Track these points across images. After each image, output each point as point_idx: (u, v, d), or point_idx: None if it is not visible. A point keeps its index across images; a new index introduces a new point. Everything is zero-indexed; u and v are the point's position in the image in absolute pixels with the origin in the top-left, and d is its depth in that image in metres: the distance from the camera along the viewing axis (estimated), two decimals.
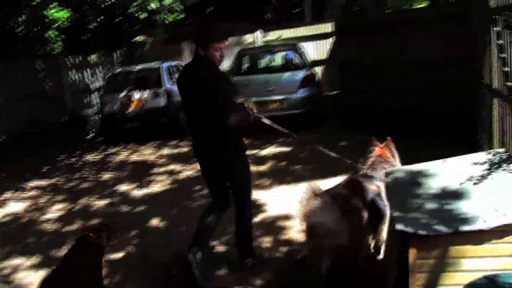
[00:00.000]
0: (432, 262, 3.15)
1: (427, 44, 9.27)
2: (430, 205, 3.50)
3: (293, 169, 7.89)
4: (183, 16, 15.07)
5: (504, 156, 4.01)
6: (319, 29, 15.58)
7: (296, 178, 7.27)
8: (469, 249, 3.10)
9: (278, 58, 11.82)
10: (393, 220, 3.42)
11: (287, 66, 11.24)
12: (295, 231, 5.23)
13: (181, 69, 5.04)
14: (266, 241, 5.23)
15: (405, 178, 4.07)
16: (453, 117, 8.21)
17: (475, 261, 3.09)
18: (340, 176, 5.43)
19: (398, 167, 4.40)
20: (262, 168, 8.02)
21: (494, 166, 3.87)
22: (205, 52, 4.21)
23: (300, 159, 8.31)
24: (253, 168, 7.65)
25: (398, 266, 3.40)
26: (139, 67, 12.92)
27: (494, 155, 4.07)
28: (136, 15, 13.63)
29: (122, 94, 11.81)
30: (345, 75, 11.71)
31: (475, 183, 3.68)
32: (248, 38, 15.98)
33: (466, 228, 3.07)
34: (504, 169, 3.77)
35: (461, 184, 3.72)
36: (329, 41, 15.19)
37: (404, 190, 3.85)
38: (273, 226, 5.62)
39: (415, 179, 3.99)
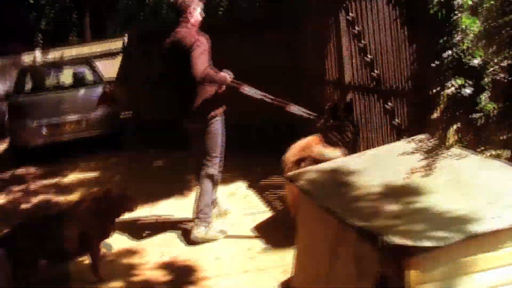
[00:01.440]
0: (439, 285, 2.14)
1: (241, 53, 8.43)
2: (393, 207, 2.54)
3: None
4: None
5: (433, 142, 3.29)
6: (105, 46, 14.02)
7: None
8: (484, 258, 2.18)
9: (70, 74, 9.91)
10: (361, 233, 2.33)
11: (81, 82, 9.48)
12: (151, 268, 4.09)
13: None
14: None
15: (325, 178, 3.06)
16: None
17: (493, 273, 2.18)
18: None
19: (302, 169, 3.36)
20: (73, 198, 6.25)
21: (431, 154, 3.10)
22: None
23: (113, 183, 6.79)
24: (61, 199, 5.98)
25: None
26: None
27: (420, 142, 3.32)
28: None
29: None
30: (141, 93, 10.40)
31: (424, 176, 2.85)
32: (26, 58, 13.61)
33: (481, 229, 2.14)
34: (447, 157, 3.03)
35: (406, 178, 2.85)
36: (118, 59, 13.71)
37: (339, 193, 2.82)
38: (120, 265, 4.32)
39: (340, 178, 3.01)
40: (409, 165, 3.01)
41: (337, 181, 2.97)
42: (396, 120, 4.60)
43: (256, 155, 6.46)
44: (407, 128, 4.44)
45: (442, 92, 3.91)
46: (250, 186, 6.00)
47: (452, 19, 3.73)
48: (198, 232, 4.53)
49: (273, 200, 5.44)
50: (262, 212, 5.18)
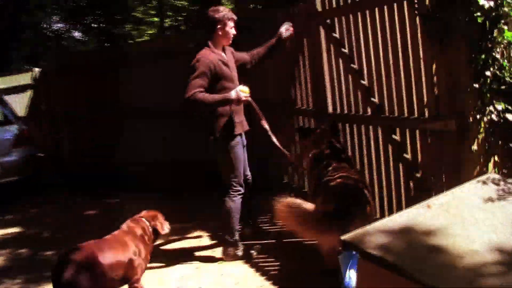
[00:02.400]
0: None
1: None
2: None
3: (45, 255, 5.05)
4: None
5: None
6: (12, 80, 12.38)
7: None
8: None
9: None
10: None
11: None
12: None
13: None
14: None
15: (401, 243, 2.22)
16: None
17: None
18: None
19: (358, 230, 2.47)
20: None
21: None
22: None
23: (43, 241, 5.56)
24: None
25: None
26: None
27: (496, 184, 2.59)
28: None
29: None
30: (64, 131, 9.12)
31: None
32: None
33: None
34: None
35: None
36: (27, 94, 12.12)
37: (436, 264, 2.00)
38: None
39: (422, 241, 2.19)
40: (507, 217, 2.26)
41: (421, 246, 2.14)
42: (407, 154, 3.90)
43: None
44: (425, 164, 3.76)
45: (481, 119, 3.26)
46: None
47: (494, 32, 3.11)
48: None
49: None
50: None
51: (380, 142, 4.20)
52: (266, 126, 4.37)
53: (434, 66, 3.49)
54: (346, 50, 4.42)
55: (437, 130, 3.54)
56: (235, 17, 4.32)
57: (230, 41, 4.38)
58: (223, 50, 4.39)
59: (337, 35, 4.51)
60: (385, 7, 3.86)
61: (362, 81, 4.26)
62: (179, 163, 7.08)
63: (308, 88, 5.11)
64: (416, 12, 3.47)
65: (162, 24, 11.67)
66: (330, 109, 4.77)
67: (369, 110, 4.27)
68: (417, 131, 3.79)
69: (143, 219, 3.71)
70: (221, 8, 4.31)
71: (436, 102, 3.51)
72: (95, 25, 16.60)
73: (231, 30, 4.31)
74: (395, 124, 3.99)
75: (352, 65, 4.35)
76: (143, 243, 3.57)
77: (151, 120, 7.66)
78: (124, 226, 3.64)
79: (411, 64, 3.71)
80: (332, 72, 4.67)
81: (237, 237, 4.44)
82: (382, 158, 4.21)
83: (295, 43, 5.11)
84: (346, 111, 4.58)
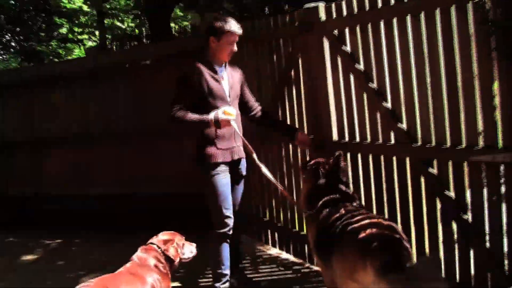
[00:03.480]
0: None
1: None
2: None
3: None
4: None
5: None
6: None
7: None
8: None
9: None
10: None
11: None
12: None
13: None
14: None
15: None
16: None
17: None
18: None
19: None
20: None
21: None
22: None
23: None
24: None
25: None
26: None
27: None
28: None
29: None
30: None
31: None
32: None
33: None
34: None
35: None
36: None
37: None
38: None
39: None
40: None
41: None
42: (449, 191, 3.22)
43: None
44: (476, 204, 3.08)
45: None
46: None
47: None
48: None
49: None
50: None
51: (408, 176, 3.49)
52: (258, 162, 3.71)
53: (496, 85, 2.85)
54: (362, 66, 3.71)
55: (496, 163, 2.89)
56: (238, 33, 3.62)
57: (228, 58, 3.69)
58: (224, 66, 3.71)
59: (348, 48, 3.79)
60: (423, 13, 3.20)
61: (385, 103, 3.54)
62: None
63: (303, 111, 4.32)
64: (480, 18, 2.80)
65: (104, 41, 10.57)
66: (335, 136, 4.02)
67: (392, 137, 3.56)
68: (465, 164, 3.12)
69: (154, 245, 3.30)
70: (228, 19, 3.63)
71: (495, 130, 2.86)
72: (14, 44, 15.06)
73: (230, 46, 3.62)
74: (433, 155, 3.29)
75: (370, 84, 3.63)
76: (159, 274, 3.17)
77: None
78: (134, 257, 3.24)
79: (460, 82, 3.05)
80: (339, 92, 3.94)
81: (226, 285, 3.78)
82: (410, 195, 3.50)
83: (284, 60, 4.37)
84: (358, 139, 3.85)
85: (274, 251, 4.79)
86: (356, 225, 2.85)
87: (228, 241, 3.74)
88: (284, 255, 4.67)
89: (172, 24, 11.21)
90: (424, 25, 3.19)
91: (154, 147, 5.95)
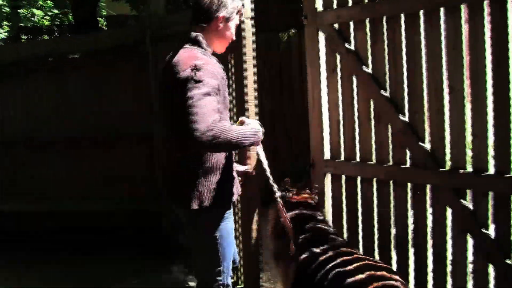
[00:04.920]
0: None
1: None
2: None
3: None
4: None
5: None
6: None
7: None
8: None
9: None
10: None
11: None
12: None
13: None
14: None
15: None
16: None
17: None
18: None
19: None
20: None
21: None
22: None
23: None
24: None
25: None
26: None
27: None
28: None
29: None
30: None
31: None
32: None
33: None
34: None
35: None
36: None
37: None
38: None
39: None
40: None
41: None
42: (486, 229, 2.55)
43: None
44: None
45: None
46: None
47: None
48: None
49: None
50: None
51: (428, 207, 2.80)
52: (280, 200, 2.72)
53: None
54: (370, 70, 2.99)
55: None
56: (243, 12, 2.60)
57: (223, 49, 2.55)
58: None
59: (352, 47, 3.06)
60: (464, 5, 2.53)
61: (401, 116, 2.84)
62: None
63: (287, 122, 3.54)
64: None
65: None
66: (326, 155, 3.26)
67: (407, 159, 2.86)
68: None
69: None
70: None
71: None
72: None
73: (233, 31, 2.50)
74: (467, 184, 2.62)
75: (382, 91, 2.91)
76: None
77: None
78: None
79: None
80: (336, 100, 3.19)
81: None
82: (431, 232, 2.81)
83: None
84: (358, 159, 3.11)
85: None
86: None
87: None
88: None
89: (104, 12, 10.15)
90: (466, 18, 2.53)
91: (85, 155, 4.93)
